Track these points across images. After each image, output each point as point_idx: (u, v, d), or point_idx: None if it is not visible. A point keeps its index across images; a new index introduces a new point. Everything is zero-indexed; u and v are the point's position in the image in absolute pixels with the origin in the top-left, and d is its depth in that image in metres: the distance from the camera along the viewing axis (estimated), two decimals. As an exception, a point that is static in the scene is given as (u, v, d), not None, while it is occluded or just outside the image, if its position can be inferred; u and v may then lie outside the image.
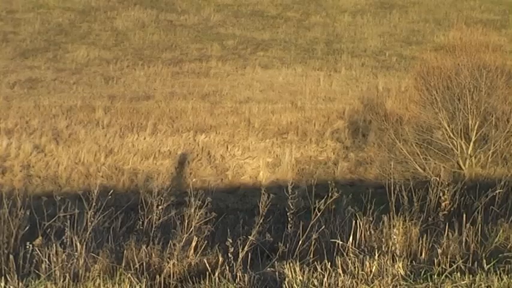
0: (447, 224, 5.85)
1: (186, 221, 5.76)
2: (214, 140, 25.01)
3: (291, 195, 6.10)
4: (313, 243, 5.44)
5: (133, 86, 29.91)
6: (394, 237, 5.47)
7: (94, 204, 5.63)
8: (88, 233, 5.39)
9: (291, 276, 4.48)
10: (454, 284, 4.37)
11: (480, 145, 21.45)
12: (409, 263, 4.87)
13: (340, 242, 5.32)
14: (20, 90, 28.65)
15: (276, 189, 14.10)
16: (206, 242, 5.65)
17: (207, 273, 4.65)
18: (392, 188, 6.39)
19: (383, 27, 39.88)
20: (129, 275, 4.56)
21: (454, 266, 4.74)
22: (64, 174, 22.15)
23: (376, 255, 4.82)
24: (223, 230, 6.54)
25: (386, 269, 4.64)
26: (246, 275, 4.63)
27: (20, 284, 4.42)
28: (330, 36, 38.03)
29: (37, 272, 4.75)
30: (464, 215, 5.90)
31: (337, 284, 4.43)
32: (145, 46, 34.89)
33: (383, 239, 5.53)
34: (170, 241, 5.51)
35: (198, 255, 5.33)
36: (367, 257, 4.84)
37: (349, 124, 27.19)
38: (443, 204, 6.58)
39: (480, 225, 5.84)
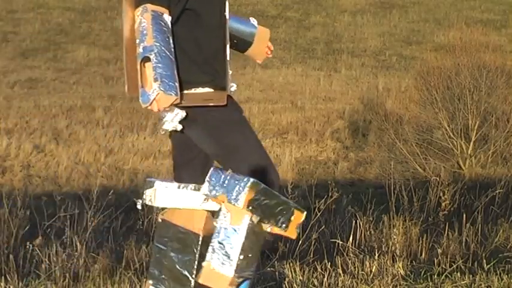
0: (447, 224, 5.85)
1: (186, 221, 5.75)
2: (214, 140, 25.02)
3: (291, 195, 6.10)
4: (313, 243, 5.43)
5: (133, 86, 29.91)
6: (394, 237, 5.46)
7: (94, 204, 5.62)
8: (88, 233, 5.38)
9: (291, 276, 4.47)
10: (454, 284, 4.37)
11: (480, 145, 21.47)
12: (409, 263, 4.86)
13: (340, 242, 5.31)
14: (20, 90, 28.67)
15: (276, 189, 14.10)
16: (206, 242, 5.64)
17: (207, 273, 4.64)
18: (392, 188, 6.39)
19: (383, 27, 39.90)
20: (129, 275, 4.55)
21: (454, 266, 4.74)
22: (64, 174, 22.16)
23: (376, 255, 4.82)
24: (223, 230, 6.52)
25: (386, 269, 4.63)
26: (246, 275, 4.63)
27: (20, 284, 4.42)
28: (330, 36, 38.06)
29: (37, 272, 4.75)
30: (464, 215, 5.89)
31: (337, 284, 4.43)
32: (145, 46, 34.90)
33: (383, 239, 5.52)
34: (170, 241, 5.50)
35: (198, 255, 5.32)
36: (367, 257, 4.83)
37: (349, 124, 27.20)
38: (443, 204, 6.58)
39: (480, 225, 5.83)
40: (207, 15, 3.19)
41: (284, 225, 3.17)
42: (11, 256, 4.91)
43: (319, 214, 5.86)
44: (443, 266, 4.72)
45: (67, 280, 4.44)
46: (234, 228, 3.14)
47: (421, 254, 5.23)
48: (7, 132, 24.37)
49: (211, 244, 3.18)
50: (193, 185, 3.26)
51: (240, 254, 3.14)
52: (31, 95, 28.02)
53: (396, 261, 4.73)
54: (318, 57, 34.55)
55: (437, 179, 6.97)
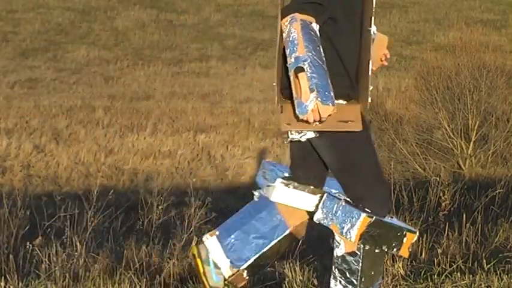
0: (447, 224, 5.84)
1: (186, 221, 5.76)
2: (214, 140, 25.02)
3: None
4: (313, 243, 5.44)
5: (133, 86, 29.92)
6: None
7: (94, 204, 5.62)
8: (88, 233, 5.38)
9: (291, 276, 4.48)
10: (454, 284, 4.37)
11: (480, 145, 21.46)
12: (409, 263, 4.86)
13: (340, 242, 5.30)
14: (20, 90, 28.66)
15: (276, 189, 14.07)
16: (206, 242, 5.63)
17: (207, 273, 4.64)
18: (392, 188, 6.39)
19: (383, 27, 39.86)
20: (129, 275, 4.55)
21: (454, 266, 4.74)
22: (64, 174, 22.15)
23: (376, 255, 4.81)
24: (223, 230, 6.52)
25: (386, 269, 4.63)
26: (246, 275, 4.62)
27: (20, 284, 4.42)
28: (330, 36, 38.02)
29: (37, 272, 4.75)
30: (464, 215, 5.89)
31: (337, 283, 4.42)
32: (145, 46, 34.90)
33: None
34: (170, 241, 5.51)
35: (198, 255, 5.32)
36: (367, 257, 4.83)
37: (349, 124, 27.10)
38: (443, 204, 6.59)
39: (480, 225, 5.83)
40: (347, 27, 3.18)
41: (396, 249, 3.28)
42: (11, 256, 4.91)
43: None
44: (443, 266, 4.72)
45: (67, 280, 4.43)
46: (350, 255, 3.25)
47: (421, 254, 5.23)
48: (7, 132, 24.36)
49: (332, 272, 3.31)
50: (311, 187, 3.30)
51: (361, 278, 3.26)
52: (31, 95, 28.01)
53: (396, 261, 4.73)
54: (318, 57, 34.52)
55: (437, 179, 6.98)
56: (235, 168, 23.49)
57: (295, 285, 4.34)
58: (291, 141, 3.17)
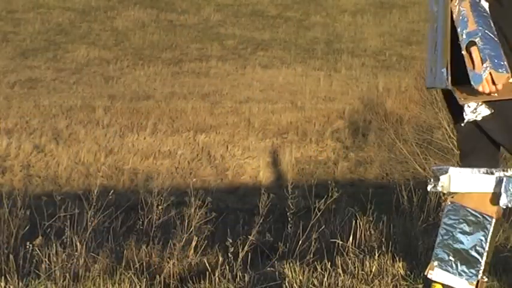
0: (447, 224, 5.84)
1: (186, 221, 5.76)
2: (214, 140, 25.02)
3: (291, 195, 6.09)
4: (313, 243, 5.43)
5: (133, 86, 29.91)
6: (394, 237, 5.47)
7: (94, 204, 5.62)
8: (88, 233, 5.38)
9: (291, 276, 4.47)
10: (454, 284, 4.36)
11: (480, 145, 21.44)
12: (409, 263, 4.86)
13: (340, 242, 5.32)
14: (20, 90, 28.66)
15: (276, 189, 14.09)
16: (206, 242, 5.65)
17: (207, 273, 4.65)
18: (392, 187, 6.39)
19: (383, 27, 39.88)
20: (129, 275, 4.55)
21: (454, 266, 4.73)
22: (64, 174, 22.15)
23: (376, 255, 4.81)
24: (223, 230, 6.53)
25: (386, 269, 4.63)
26: (246, 275, 4.62)
27: (20, 284, 4.41)
28: (330, 36, 38.04)
29: (37, 272, 4.75)
30: (465, 215, 5.88)
31: (337, 283, 4.43)
32: (145, 46, 34.89)
33: (383, 239, 5.52)
34: (170, 241, 5.51)
35: (198, 255, 5.33)
36: (367, 257, 4.83)
37: (349, 124, 27.19)
38: (443, 204, 6.59)
39: (480, 225, 5.82)
40: (510, 6, 3.23)
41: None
42: (11, 256, 4.91)
43: (319, 214, 5.86)
44: (444, 266, 4.72)
45: (67, 280, 4.43)
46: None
47: (421, 254, 5.23)
48: (7, 132, 24.37)
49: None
50: (485, 169, 3.32)
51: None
52: (31, 95, 28.02)
53: (396, 261, 4.73)
54: (318, 57, 34.53)
55: (438, 178, 6.97)
56: (235, 168, 23.50)
57: (295, 285, 4.34)
58: (465, 123, 3.21)
